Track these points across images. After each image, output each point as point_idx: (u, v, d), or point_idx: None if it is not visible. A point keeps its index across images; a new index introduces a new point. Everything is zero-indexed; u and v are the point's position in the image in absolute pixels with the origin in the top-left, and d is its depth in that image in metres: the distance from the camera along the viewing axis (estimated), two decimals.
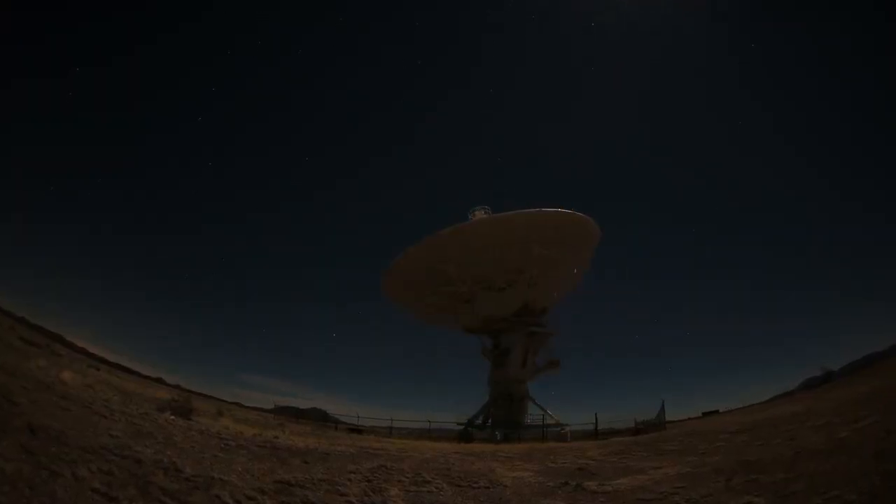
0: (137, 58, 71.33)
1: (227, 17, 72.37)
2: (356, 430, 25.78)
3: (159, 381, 39.20)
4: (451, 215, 33.47)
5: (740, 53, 72.87)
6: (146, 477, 4.45)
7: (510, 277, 31.70)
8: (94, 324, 71.57)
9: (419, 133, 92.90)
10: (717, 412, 29.53)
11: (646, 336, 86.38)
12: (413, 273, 32.38)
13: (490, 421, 30.85)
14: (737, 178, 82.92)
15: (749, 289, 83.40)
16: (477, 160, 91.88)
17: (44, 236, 75.24)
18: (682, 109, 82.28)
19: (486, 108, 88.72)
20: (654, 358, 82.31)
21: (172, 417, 9.62)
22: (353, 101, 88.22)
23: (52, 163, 73.73)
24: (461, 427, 29.70)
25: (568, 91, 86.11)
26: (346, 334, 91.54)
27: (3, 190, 65.54)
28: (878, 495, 3.87)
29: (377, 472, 7.11)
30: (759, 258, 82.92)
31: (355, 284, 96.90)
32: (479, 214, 30.97)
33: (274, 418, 23.29)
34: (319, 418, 33.15)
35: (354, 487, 5.84)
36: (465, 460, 9.66)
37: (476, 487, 6.64)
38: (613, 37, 71.23)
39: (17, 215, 66.85)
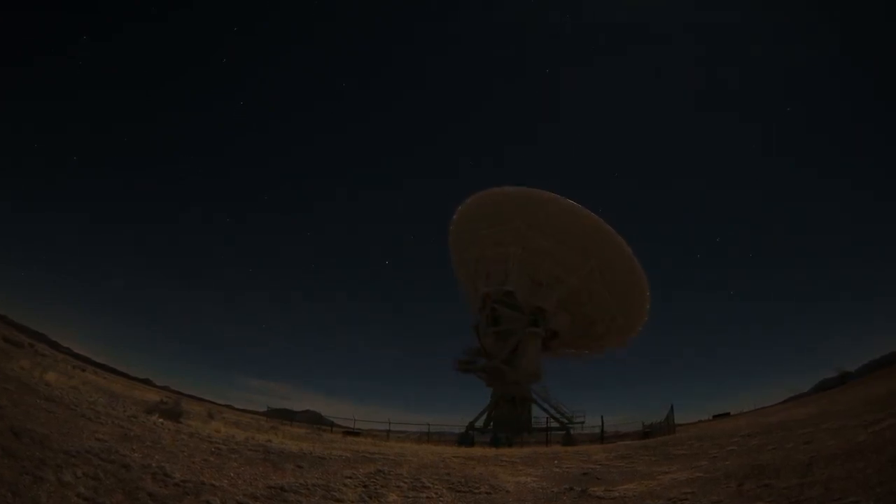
0: (140, 46, 71.47)
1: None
2: (352, 433, 25.87)
3: (147, 382, 39.42)
4: (447, 218, 33.76)
5: (742, 63, 73.53)
6: (134, 482, 4.46)
7: (553, 273, 31.77)
8: (79, 323, 71.94)
9: (416, 136, 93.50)
10: (728, 415, 29.65)
11: (654, 336, 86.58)
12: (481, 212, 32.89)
13: (492, 424, 30.87)
14: (749, 177, 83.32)
15: (760, 287, 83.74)
16: (482, 163, 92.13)
17: (30, 230, 75.50)
18: (690, 115, 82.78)
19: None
20: (662, 359, 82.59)
21: (161, 420, 9.65)
22: (347, 107, 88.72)
23: (43, 155, 74.04)
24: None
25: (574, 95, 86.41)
26: (343, 335, 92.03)
27: None
28: None
29: (374, 477, 7.13)
30: (771, 256, 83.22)
31: (350, 284, 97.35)
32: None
33: (267, 421, 23.38)
34: (314, 421, 33.30)
35: (351, 493, 5.86)
36: (465, 465, 9.70)
37: (477, 493, 6.66)
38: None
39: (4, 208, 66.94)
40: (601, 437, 24.42)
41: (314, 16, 73.13)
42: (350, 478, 6.87)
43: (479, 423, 31.23)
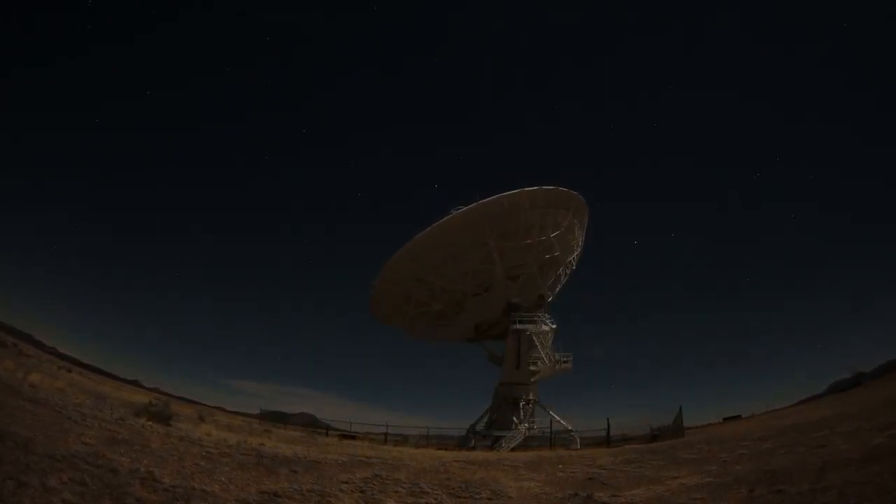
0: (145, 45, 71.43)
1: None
2: (349, 436, 25.96)
3: (136, 383, 39.51)
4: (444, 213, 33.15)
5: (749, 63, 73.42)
6: (122, 487, 4.46)
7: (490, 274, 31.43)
8: (65, 322, 71.98)
9: (414, 135, 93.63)
10: (739, 417, 29.72)
11: (662, 336, 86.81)
12: (402, 287, 32.13)
13: (493, 427, 30.96)
14: (760, 171, 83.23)
15: (772, 285, 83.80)
16: (484, 162, 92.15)
17: (15, 227, 75.54)
18: (692, 113, 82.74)
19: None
20: (671, 359, 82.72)
21: (150, 423, 9.67)
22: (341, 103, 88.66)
23: (33, 152, 74.26)
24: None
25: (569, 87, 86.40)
26: (339, 335, 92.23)
27: None
28: None
29: (371, 482, 7.15)
30: (785, 254, 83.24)
31: (347, 284, 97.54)
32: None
33: (259, 424, 23.45)
34: (309, 424, 33.43)
35: (347, 499, 5.87)
36: (466, 469, 9.72)
37: (478, 498, 6.67)
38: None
39: None
40: (607, 441, 24.47)
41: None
42: (346, 483, 6.89)
43: (481, 426, 31.31)
